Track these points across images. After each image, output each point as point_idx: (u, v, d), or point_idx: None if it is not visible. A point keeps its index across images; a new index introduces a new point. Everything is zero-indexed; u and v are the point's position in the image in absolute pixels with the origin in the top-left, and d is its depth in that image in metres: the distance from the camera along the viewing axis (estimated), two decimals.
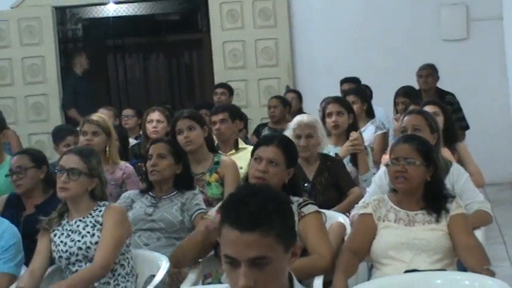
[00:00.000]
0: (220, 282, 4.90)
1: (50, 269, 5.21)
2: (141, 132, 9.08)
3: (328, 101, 7.86)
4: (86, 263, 5.06)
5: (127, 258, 5.19)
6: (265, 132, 9.71)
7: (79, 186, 5.10)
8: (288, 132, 6.64)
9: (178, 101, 16.39)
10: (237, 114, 8.05)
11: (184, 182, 6.00)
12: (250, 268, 2.70)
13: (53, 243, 5.14)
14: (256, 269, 2.71)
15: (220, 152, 7.16)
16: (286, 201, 2.98)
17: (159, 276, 5.07)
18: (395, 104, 9.52)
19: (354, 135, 7.15)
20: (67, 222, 5.17)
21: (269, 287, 2.79)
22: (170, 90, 17.11)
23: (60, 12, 13.01)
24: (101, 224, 5.08)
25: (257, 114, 11.83)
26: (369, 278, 5.08)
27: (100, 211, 5.14)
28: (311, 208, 4.85)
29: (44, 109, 12.46)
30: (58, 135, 7.73)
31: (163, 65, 17.48)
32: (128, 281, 5.14)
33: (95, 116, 7.17)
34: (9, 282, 5.08)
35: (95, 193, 5.20)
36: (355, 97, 8.98)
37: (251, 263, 2.71)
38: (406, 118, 6.23)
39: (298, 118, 6.89)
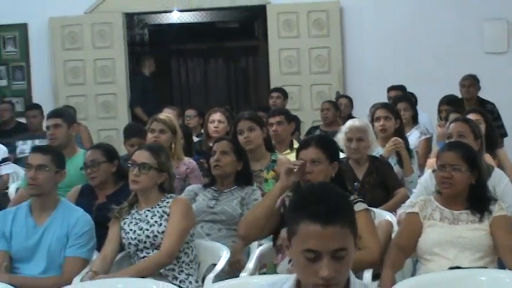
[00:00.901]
0: (275, 273, 4.92)
1: (119, 255, 5.27)
2: (202, 131, 9.13)
3: (377, 106, 7.91)
4: (153, 250, 5.11)
5: (190, 247, 5.23)
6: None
7: (149, 180, 5.17)
8: (340, 136, 6.70)
9: (235, 103, 16.41)
10: (291, 117, 8.10)
11: (244, 178, 6.03)
12: (331, 260, 2.74)
13: (123, 231, 5.21)
14: (334, 260, 2.75)
15: (276, 151, 7.20)
16: (349, 196, 3.03)
17: (220, 265, 5.13)
18: (439, 111, 9.50)
19: (393, 138, 7.20)
20: (136, 211, 5.23)
21: (343, 278, 2.83)
22: (227, 93, 17.13)
23: (129, 18, 13.06)
24: (168, 215, 5.14)
25: (309, 117, 11.84)
26: (414, 273, 5.08)
27: (167, 202, 5.20)
28: (361, 206, 4.84)
29: (112, 107, 12.56)
30: (126, 133, 7.83)
31: (222, 70, 17.49)
32: (191, 268, 5.18)
33: (162, 115, 7.24)
34: (83, 266, 5.14)
35: (164, 186, 5.27)
36: (405, 104, 9.03)
37: (332, 255, 2.74)
38: (451, 125, 6.24)
39: (350, 122, 6.93)
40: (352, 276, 2.93)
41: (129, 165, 5.26)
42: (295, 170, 4.93)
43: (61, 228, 5.20)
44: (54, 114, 6.85)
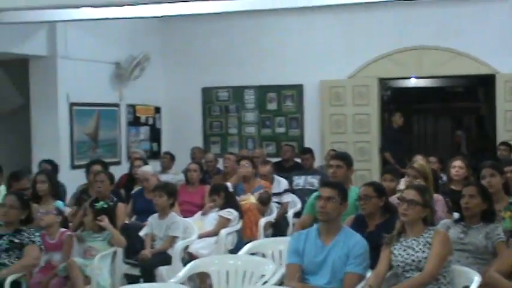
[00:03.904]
0: None
1: (388, 273, 5.18)
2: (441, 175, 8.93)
3: None
4: (416, 272, 5.00)
5: (448, 271, 5.07)
6: None
7: (415, 214, 5.08)
8: None
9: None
10: None
11: (488, 216, 5.79)
12: None
13: (392, 255, 5.13)
14: None
15: None
16: None
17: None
18: None
19: None
20: (404, 239, 5.14)
21: None
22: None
23: (381, 82, 13.02)
24: (430, 244, 5.01)
25: None
26: None
27: (430, 234, 5.08)
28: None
29: (366, 152, 12.49)
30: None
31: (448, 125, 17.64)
32: None
33: (416, 164, 7.22)
34: (359, 280, 5.11)
35: (427, 219, 5.16)
36: None
37: None
38: None
39: None
40: None
41: (398, 201, 5.20)
42: None
43: (343, 248, 5.18)
44: (338, 156, 6.85)
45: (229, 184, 8.88)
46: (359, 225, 5.95)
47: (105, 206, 6.83)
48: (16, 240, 5.97)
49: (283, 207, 9.43)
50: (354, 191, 6.41)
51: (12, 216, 6.12)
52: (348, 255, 5.16)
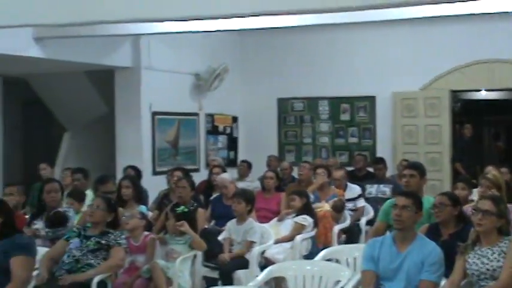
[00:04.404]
0: None
1: (463, 282, 5.08)
2: None
3: None
4: (491, 281, 4.90)
5: None
6: None
7: (490, 224, 5.00)
8: None
9: None
10: None
11: None
12: None
13: (467, 263, 5.03)
14: None
15: None
16: None
17: None
18: None
19: None
20: (479, 249, 5.03)
21: None
22: None
23: (452, 94, 12.81)
24: (505, 253, 4.90)
25: None
26: None
27: (505, 243, 4.97)
28: None
29: (437, 162, 12.31)
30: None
31: None
32: None
33: (489, 174, 7.11)
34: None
35: (502, 229, 5.04)
36: None
37: None
38: None
39: None
40: None
41: (473, 211, 5.11)
42: None
43: (418, 256, 5.08)
44: (411, 166, 6.76)
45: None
46: (433, 234, 5.84)
47: (186, 210, 6.88)
48: (103, 242, 6.06)
49: (358, 212, 9.41)
50: (427, 201, 6.29)
51: (98, 217, 6.21)
52: (423, 262, 5.06)
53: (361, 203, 9.51)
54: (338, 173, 9.66)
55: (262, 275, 5.57)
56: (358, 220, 9.33)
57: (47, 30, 9.29)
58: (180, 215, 6.77)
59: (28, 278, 5.34)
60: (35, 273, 5.62)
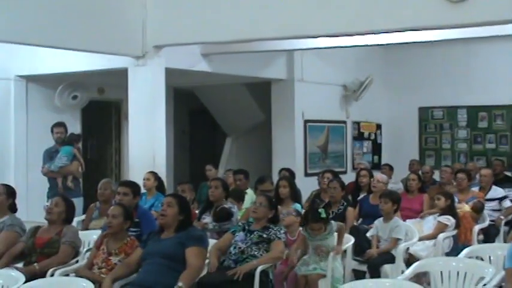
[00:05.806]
0: None
1: None
2: None
3: None
4: None
5: None
6: None
7: None
8: None
9: None
10: None
11: None
12: None
13: None
14: None
15: None
16: None
17: None
18: None
19: None
20: None
21: None
22: None
23: None
24: None
25: None
26: None
27: None
28: None
29: None
30: None
31: None
32: None
33: None
34: None
35: None
36: None
37: None
38: None
39: None
40: None
41: None
42: None
43: None
44: None
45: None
46: None
47: (324, 216, 6.59)
48: (264, 235, 6.14)
49: (507, 211, 9.02)
50: None
51: (261, 214, 6.29)
52: None
53: (508, 203, 9.16)
54: (486, 171, 9.48)
55: (410, 270, 5.46)
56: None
57: (212, 47, 9.56)
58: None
59: (201, 266, 5.49)
60: (206, 261, 5.77)
